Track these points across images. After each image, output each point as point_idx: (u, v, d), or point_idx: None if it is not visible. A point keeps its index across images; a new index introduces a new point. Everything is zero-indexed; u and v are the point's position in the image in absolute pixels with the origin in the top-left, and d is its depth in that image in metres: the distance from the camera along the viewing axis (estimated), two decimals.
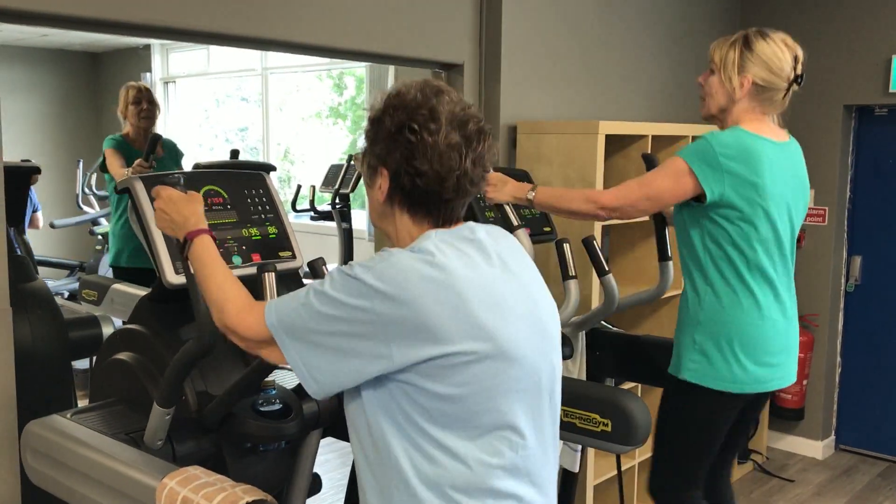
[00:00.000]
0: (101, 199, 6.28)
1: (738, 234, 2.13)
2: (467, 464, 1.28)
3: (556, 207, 2.32)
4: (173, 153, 4.03)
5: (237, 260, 1.84)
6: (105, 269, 5.77)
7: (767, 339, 2.16)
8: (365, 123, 1.40)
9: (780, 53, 2.13)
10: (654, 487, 2.37)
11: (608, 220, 2.33)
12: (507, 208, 2.32)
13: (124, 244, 3.87)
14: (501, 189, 2.30)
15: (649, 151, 3.34)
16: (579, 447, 2.65)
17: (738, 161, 2.08)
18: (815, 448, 4.50)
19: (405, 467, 1.29)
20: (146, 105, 3.84)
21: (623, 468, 3.48)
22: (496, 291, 1.30)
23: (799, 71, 2.16)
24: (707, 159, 2.09)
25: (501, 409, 1.30)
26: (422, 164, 1.31)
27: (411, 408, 1.27)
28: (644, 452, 3.53)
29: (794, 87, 2.17)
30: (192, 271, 1.57)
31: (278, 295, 1.66)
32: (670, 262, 2.58)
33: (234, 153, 3.92)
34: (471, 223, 1.39)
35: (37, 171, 2.94)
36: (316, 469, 2.12)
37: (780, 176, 2.14)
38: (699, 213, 2.17)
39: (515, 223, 2.31)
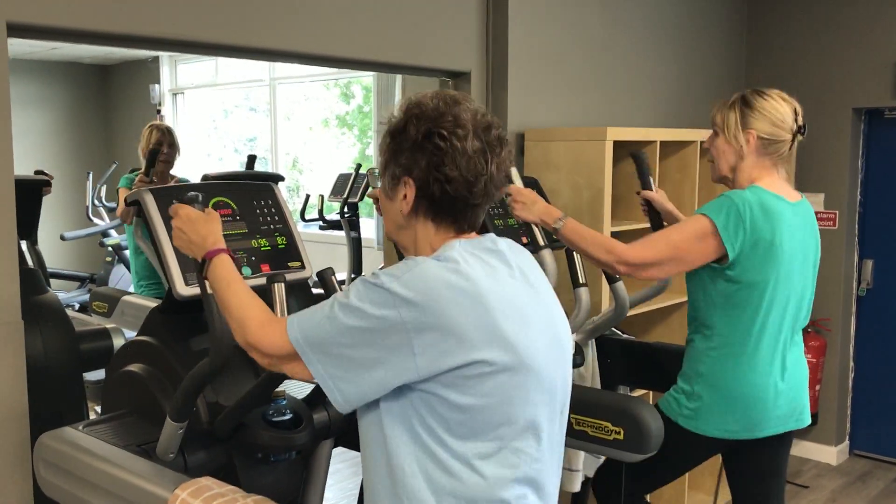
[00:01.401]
0: (110, 211, 6.32)
1: (748, 295, 2.11)
2: (483, 475, 1.28)
3: (577, 245, 2.24)
4: None
5: (246, 271, 1.84)
6: (115, 281, 5.81)
7: (765, 399, 2.15)
8: (382, 137, 1.40)
9: (779, 107, 2.15)
10: (602, 488, 2.41)
11: (625, 276, 2.24)
12: (535, 228, 2.30)
13: (147, 282, 3.87)
14: (531, 208, 2.26)
15: (657, 157, 3.35)
16: (581, 468, 2.63)
17: (760, 219, 2.08)
18: (829, 453, 4.47)
19: (419, 478, 1.29)
20: (167, 149, 3.85)
21: None
22: (518, 303, 1.31)
23: (800, 122, 2.18)
24: (730, 216, 2.08)
25: (519, 421, 1.30)
26: (451, 170, 1.31)
27: (431, 418, 1.27)
28: None
29: (799, 137, 2.19)
30: (209, 290, 1.55)
31: (287, 305, 1.67)
32: None
33: (251, 158, 3.93)
34: (492, 235, 1.40)
35: (47, 183, 2.96)
36: (327, 479, 2.12)
37: (796, 236, 2.14)
38: (716, 274, 2.14)
39: (542, 243, 2.28)
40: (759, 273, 2.10)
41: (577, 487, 2.64)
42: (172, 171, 3.92)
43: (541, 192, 2.59)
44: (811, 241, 2.22)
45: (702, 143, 2.33)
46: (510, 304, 1.29)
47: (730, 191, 2.17)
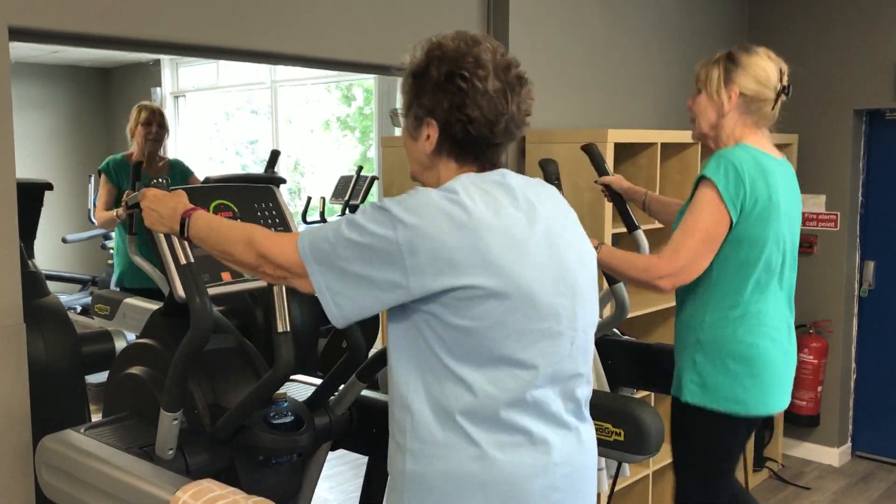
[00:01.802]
0: None
1: (747, 254, 2.10)
2: (474, 392, 1.33)
3: (615, 270, 2.22)
4: (179, 172, 4.04)
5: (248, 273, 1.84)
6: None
7: (770, 359, 2.13)
8: (404, 78, 1.44)
9: (764, 65, 2.13)
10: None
11: (671, 289, 2.16)
12: None
13: (127, 264, 3.88)
14: None
15: (658, 160, 3.35)
16: (604, 466, 2.63)
17: (757, 176, 2.07)
18: (831, 455, 4.46)
19: (419, 393, 1.35)
20: (156, 128, 3.84)
21: (637, 477, 3.47)
22: (516, 234, 1.35)
23: (785, 82, 2.15)
24: (729, 175, 2.05)
25: (512, 346, 1.34)
26: (472, 110, 1.36)
27: (431, 337, 1.33)
28: (658, 461, 3.51)
29: (783, 97, 2.16)
30: (189, 260, 1.60)
31: (288, 308, 1.68)
32: (640, 230, 2.57)
33: (275, 154, 3.92)
34: (504, 169, 1.44)
35: (49, 187, 2.96)
36: (328, 481, 2.12)
37: (784, 193, 2.13)
38: None
39: None
40: (758, 230, 2.08)
41: (603, 488, 2.64)
42: (162, 154, 3.93)
43: None
44: (795, 199, 2.22)
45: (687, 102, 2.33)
46: (507, 235, 1.33)
47: (722, 150, 2.13)
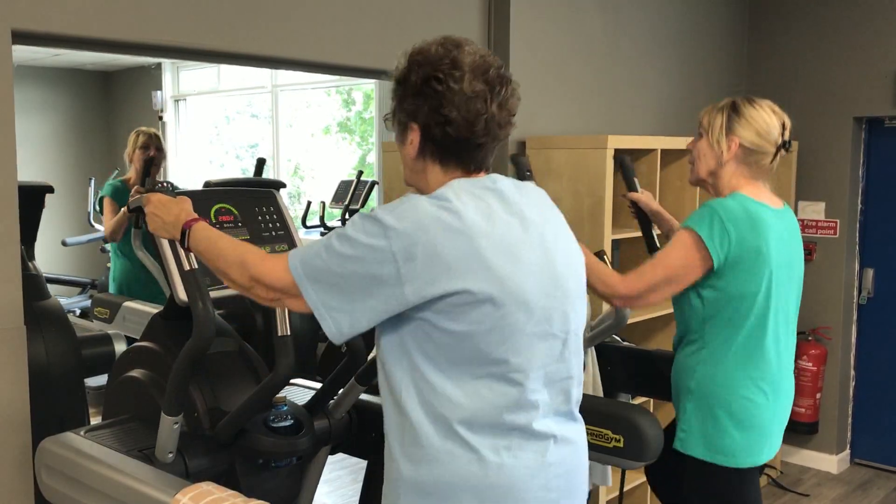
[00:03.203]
0: None
1: (736, 307, 2.07)
2: (470, 400, 1.35)
3: None
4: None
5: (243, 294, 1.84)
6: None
7: (759, 411, 2.09)
8: (391, 85, 1.46)
9: (766, 118, 2.12)
10: None
11: (623, 308, 2.22)
12: None
13: (126, 289, 3.87)
14: None
15: (658, 165, 3.36)
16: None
17: (743, 226, 2.04)
18: (829, 462, 4.46)
19: (416, 403, 1.36)
20: (154, 152, 3.86)
21: (636, 483, 3.47)
22: (509, 239, 1.36)
23: (786, 137, 2.15)
24: (714, 225, 2.04)
25: (507, 350, 1.35)
26: (450, 111, 1.37)
27: (427, 345, 1.34)
28: None
29: (782, 152, 2.15)
30: (189, 265, 1.60)
31: (289, 312, 1.69)
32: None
33: (261, 162, 3.95)
34: (495, 174, 1.45)
35: (49, 189, 2.96)
36: (327, 485, 2.13)
37: (781, 243, 2.10)
38: (703, 286, 2.10)
39: None
40: (748, 284, 2.05)
41: (608, 482, 2.64)
42: (159, 178, 3.94)
43: None
44: (796, 249, 2.19)
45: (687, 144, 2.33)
46: (500, 241, 1.34)
47: (712, 200, 2.14)
